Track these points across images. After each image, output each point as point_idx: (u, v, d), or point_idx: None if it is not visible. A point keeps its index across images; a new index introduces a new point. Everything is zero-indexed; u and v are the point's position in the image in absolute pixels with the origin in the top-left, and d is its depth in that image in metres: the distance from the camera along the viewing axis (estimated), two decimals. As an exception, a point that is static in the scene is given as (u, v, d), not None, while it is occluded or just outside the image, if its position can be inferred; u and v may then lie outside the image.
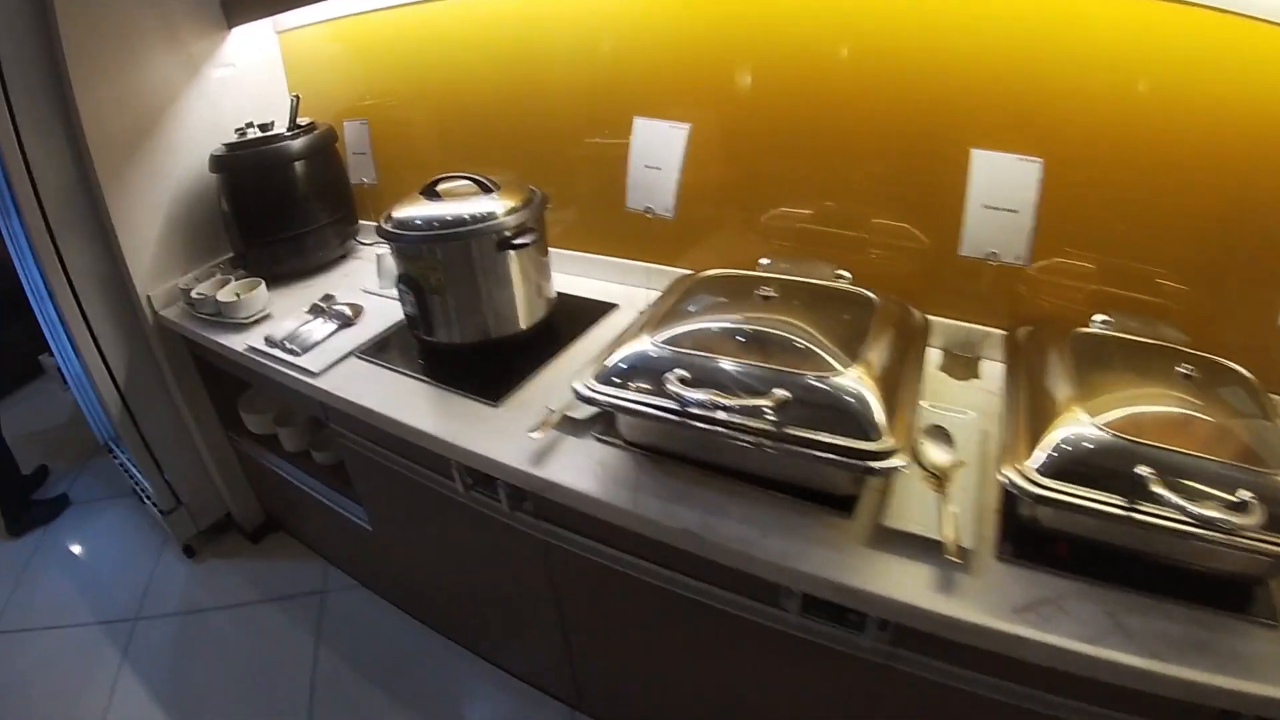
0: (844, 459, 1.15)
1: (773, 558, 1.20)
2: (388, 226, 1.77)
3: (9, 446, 3.43)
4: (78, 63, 2.15)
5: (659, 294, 1.73)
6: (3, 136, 2.18)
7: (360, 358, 1.96)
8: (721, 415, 1.23)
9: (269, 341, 2.06)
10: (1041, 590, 1.09)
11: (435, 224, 1.71)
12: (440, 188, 1.84)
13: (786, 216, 1.85)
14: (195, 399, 2.70)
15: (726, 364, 1.30)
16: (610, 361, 1.41)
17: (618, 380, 1.37)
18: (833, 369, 1.25)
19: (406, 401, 1.76)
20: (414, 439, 1.69)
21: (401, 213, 1.78)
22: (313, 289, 2.39)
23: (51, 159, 2.27)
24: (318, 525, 2.76)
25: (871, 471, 1.13)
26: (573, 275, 2.22)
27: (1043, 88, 1.42)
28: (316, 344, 2.02)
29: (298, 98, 2.35)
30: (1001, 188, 1.48)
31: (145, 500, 3.04)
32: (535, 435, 1.53)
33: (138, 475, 3.03)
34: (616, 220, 2.05)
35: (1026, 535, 1.17)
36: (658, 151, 1.89)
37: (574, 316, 2.00)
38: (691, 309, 1.53)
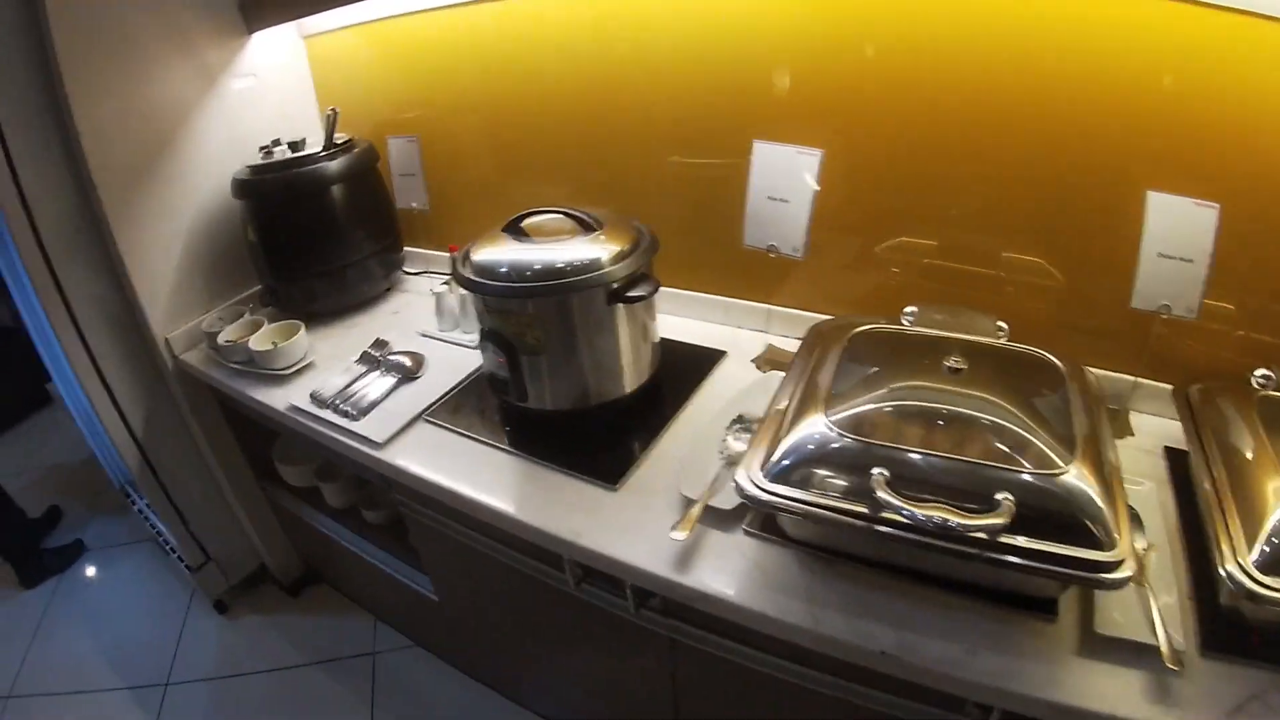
0: (1073, 572, 0.91)
1: (982, 679, 0.97)
2: (468, 273, 1.40)
3: (8, 493, 3.04)
4: (74, 75, 1.75)
5: (774, 341, 1.61)
6: None
7: (431, 422, 1.58)
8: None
9: (316, 400, 1.68)
10: (1247, 686, 0.93)
11: (528, 273, 1.34)
12: (527, 223, 1.47)
13: (919, 250, 1.52)
14: (223, 447, 2.31)
15: (935, 460, 0.99)
16: (781, 451, 1.07)
17: (785, 474, 1.06)
18: (1054, 465, 0.97)
19: (502, 484, 1.40)
20: (518, 531, 1.33)
21: (484, 255, 1.41)
22: (357, 330, 2.01)
23: (48, 183, 1.87)
24: (367, 584, 2.37)
25: (1104, 585, 0.90)
26: (665, 314, 1.81)
27: (1218, 123, 1.17)
28: (374, 404, 1.64)
29: (335, 112, 1.95)
30: (1178, 235, 1.24)
31: (169, 551, 2.66)
32: (679, 536, 1.17)
33: (160, 527, 2.65)
34: (717, 252, 1.71)
35: (1222, 624, 1.00)
36: (783, 181, 1.54)
37: (679, 368, 1.62)
38: (859, 378, 1.19)
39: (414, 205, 2.15)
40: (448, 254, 2.17)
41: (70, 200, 1.92)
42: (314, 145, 1.99)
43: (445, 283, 1.90)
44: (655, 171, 1.76)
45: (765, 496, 1.04)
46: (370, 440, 1.54)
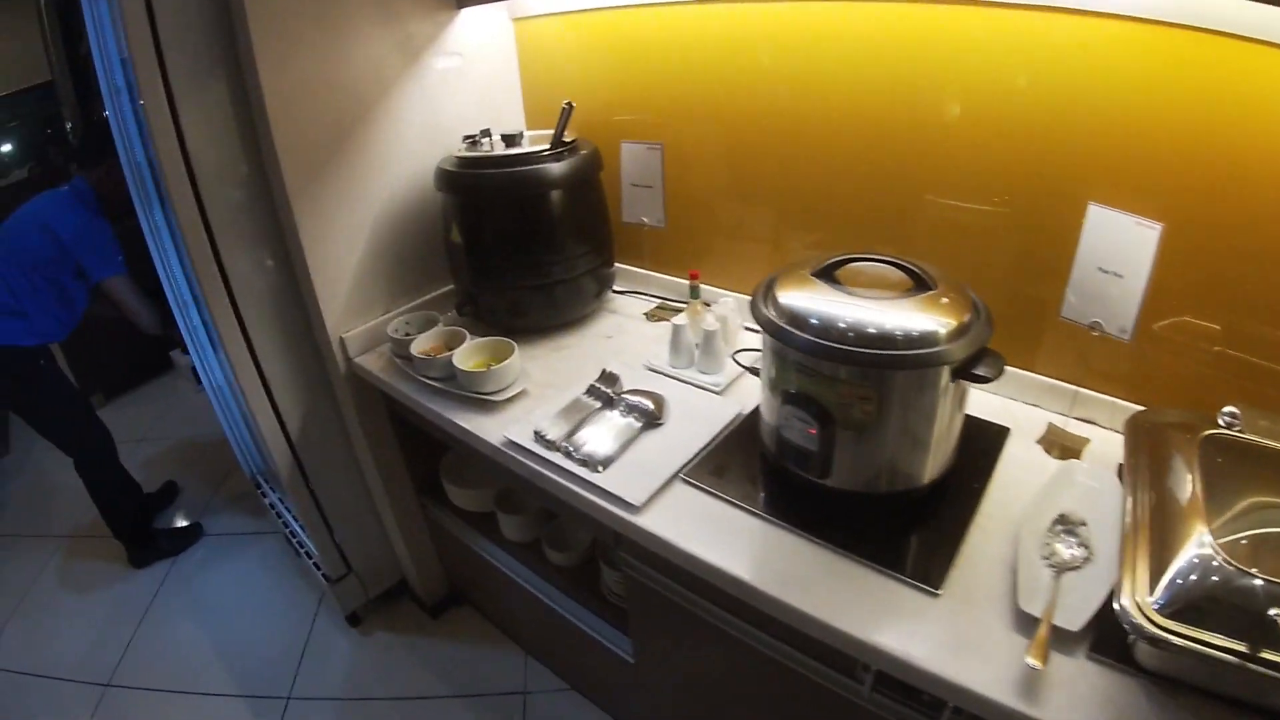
0: None
1: None
2: (778, 319, 1.15)
3: (122, 465, 2.83)
4: (263, 30, 1.51)
5: (1053, 419, 1.41)
6: (152, 106, 1.55)
7: (690, 484, 1.31)
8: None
9: (542, 440, 1.42)
10: None
11: (852, 334, 1.08)
12: (842, 271, 1.20)
13: (1211, 337, 1.26)
14: (384, 458, 2.06)
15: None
16: (1166, 580, 0.89)
17: (1168, 606, 0.88)
18: None
19: (796, 574, 1.13)
20: (818, 632, 1.07)
21: (799, 302, 1.15)
22: (566, 353, 1.74)
23: (216, 145, 1.65)
24: (531, 622, 2.11)
25: None
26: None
27: None
28: (616, 454, 1.38)
29: (571, 106, 1.66)
30: None
31: (302, 555, 2.43)
32: (1036, 665, 0.92)
33: (296, 529, 2.43)
34: (1012, 316, 1.41)
35: None
36: (1118, 254, 1.26)
37: (966, 445, 1.31)
38: (1221, 492, 0.99)
39: (644, 220, 1.86)
40: (659, 274, 1.93)
41: (242, 169, 1.70)
42: (529, 140, 1.72)
43: (675, 312, 1.64)
44: (934, 218, 1.47)
45: (1168, 638, 0.85)
46: (624, 502, 1.27)
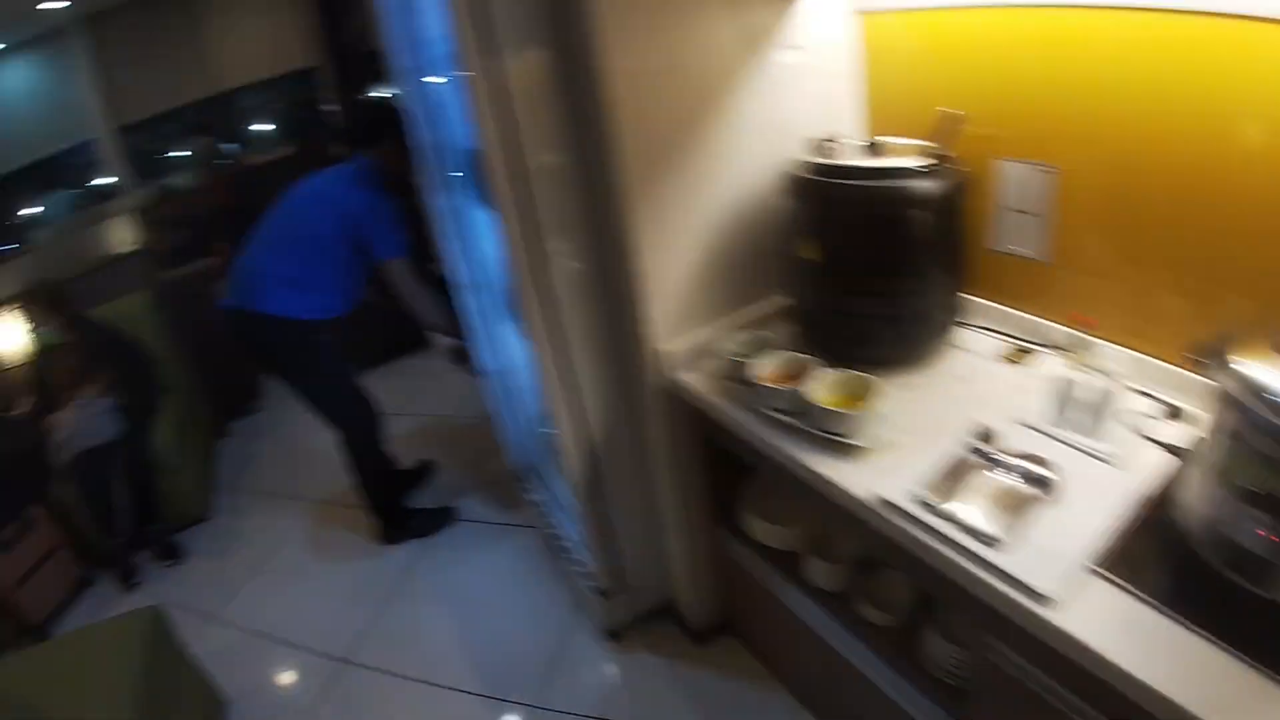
0: None
1: None
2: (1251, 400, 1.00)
3: (383, 445, 2.91)
4: (611, 6, 1.47)
5: None
6: (477, 85, 1.59)
7: (1103, 577, 1.17)
8: None
9: (929, 508, 1.30)
10: None
11: None
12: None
13: None
14: (685, 480, 2.01)
15: None
16: None
17: None
18: None
19: (1231, 701, 0.98)
20: None
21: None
22: (916, 394, 1.61)
23: (538, 131, 1.66)
24: (816, 672, 2.00)
25: None
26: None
27: None
28: (1009, 532, 1.23)
29: (958, 116, 1.52)
30: None
31: (568, 560, 2.43)
32: None
33: (567, 536, 2.42)
34: None
35: None
36: None
37: None
38: None
39: (1016, 249, 1.67)
40: (1014, 310, 1.75)
41: (563, 157, 1.71)
42: (890, 150, 1.62)
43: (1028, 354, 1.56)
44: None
45: None
46: (1032, 590, 1.14)
